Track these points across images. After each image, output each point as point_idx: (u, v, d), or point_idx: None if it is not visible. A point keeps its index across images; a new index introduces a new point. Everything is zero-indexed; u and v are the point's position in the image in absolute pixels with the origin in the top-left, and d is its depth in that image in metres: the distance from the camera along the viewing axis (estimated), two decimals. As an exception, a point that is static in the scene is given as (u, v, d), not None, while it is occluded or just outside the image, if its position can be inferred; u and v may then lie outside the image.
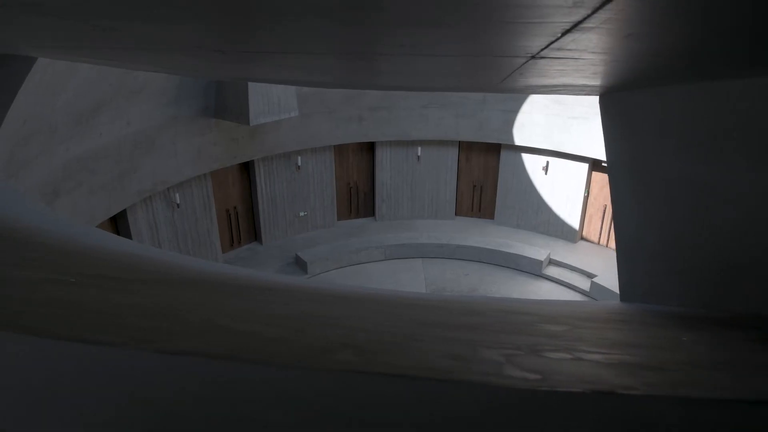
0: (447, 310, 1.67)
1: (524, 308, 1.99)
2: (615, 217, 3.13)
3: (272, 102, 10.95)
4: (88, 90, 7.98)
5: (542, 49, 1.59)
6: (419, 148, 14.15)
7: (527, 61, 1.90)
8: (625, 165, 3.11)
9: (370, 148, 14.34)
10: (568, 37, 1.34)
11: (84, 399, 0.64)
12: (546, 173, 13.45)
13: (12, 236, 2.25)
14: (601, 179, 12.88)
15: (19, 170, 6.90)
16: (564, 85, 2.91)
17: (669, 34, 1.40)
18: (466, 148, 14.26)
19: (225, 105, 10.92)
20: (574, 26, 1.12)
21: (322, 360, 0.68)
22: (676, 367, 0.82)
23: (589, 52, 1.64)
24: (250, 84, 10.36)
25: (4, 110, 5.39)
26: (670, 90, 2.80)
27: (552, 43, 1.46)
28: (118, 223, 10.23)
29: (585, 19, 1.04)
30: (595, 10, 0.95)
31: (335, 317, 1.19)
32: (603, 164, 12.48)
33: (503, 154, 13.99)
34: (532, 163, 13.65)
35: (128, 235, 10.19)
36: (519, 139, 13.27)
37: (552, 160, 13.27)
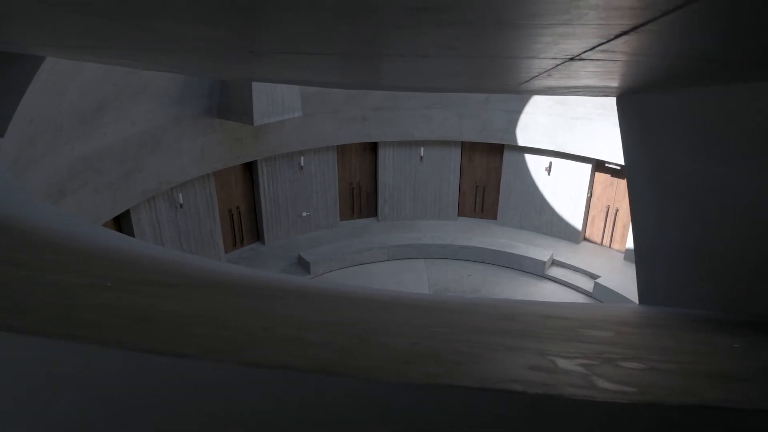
0: (485, 315, 1.66)
1: (556, 312, 1.97)
2: (633, 219, 3.12)
3: (276, 102, 10.93)
4: (93, 90, 7.95)
5: (585, 51, 1.58)
6: (422, 149, 14.14)
7: (561, 64, 1.89)
8: (643, 167, 3.10)
9: (373, 148, 14.32)
10: (620, 40, 1.33)
11: (184, 415, 0.62)
12: (549, 174, 13.45)
13: (34, 237, 2.23)
14: (604, 180, 12.89)
15: (25, 170, 6.87)
16: (585, 87, 2.90)
17: (717, 37, 1.39)
18: (468, 148, 14.25)
19: (229, 105, 10.90)
20: (634, 28, 1.10)
21: (408, 372, 0.67)
22: (753, 377, 0.81)
23: (632, 54, 1.62)
24: (254, 84, 10.34)
25: (12, 109, 5.36)
26: (693, 91, 2.79)
27: (599, 45, 1.44)
28: (122, 223, 10.20)
29: (649, 21, 1.02)
30: (665, 13, 0.93)
31: (388, 323, 1.17)
32: (606, 165, 12.49)
33: (506, 154, 13.98)
34: (535, 164, 13.65)
35: (131, 235, 10.15)
36: (522, 140, 13.26)
37: (555, 160, 13.26)
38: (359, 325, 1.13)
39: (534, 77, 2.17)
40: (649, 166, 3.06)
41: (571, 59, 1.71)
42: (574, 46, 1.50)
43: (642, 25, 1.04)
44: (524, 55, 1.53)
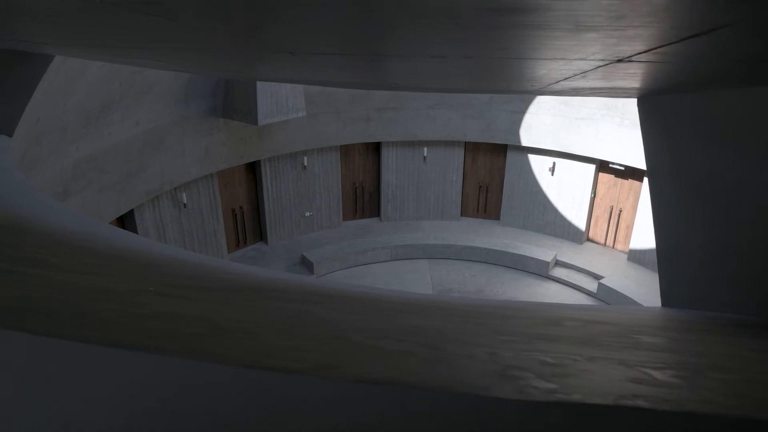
0: (531, 320, 1.63)
1: (592, 316, 1.95)
2: (655, 221, 3.10)
3: (280, 102, 10.90)
4: (98, 90, 7.91)
5: (637, 54, 1.56)
6: (425, 149, 14.12)
7: (605, 66, 1.87)
8: (666, 168, 3.08)
9: (376, 148, 14.30)
10: (683, 44, 1.30)
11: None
12: (552, 174, 13.44)
13: (59, 239, 2.20)
14: (608, 180, 12.89)
15: (30, 169, 6.83)
16: (610, 88, 2.88)
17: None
18: (472, 148, 14.23)
19: (233, 105, 10.86)
20: (702, 33, 1.08)
21: (517, 387, 0.64)
22: None
23: (682, 57, 1.60)
24: (258, 84, 10.31)
25: (21, 108, 5.32)
26: (719, 92, 2.77)
27: (655, 48, 1.42)
28: (125, 223, 10.16)
29: (718, 28, 1.00)
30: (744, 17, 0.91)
31: (450, 331, 1.15)
32: (610, 165, 12.48)
33: (509, 154, 13.97)
34: (538, 164, 13.64)
35: (136, 235, 10.10)
36: (526, 140, 13.26)
37: (558, 161, 13.26)
38: (423, 332, 1.11)
39: (568, 78, 2.15)
40: (672, 167, 3.04)
41: (619, 61, 1.69)
42: (631, 48, 1.48)
43: (712, 30, 1.01)
44: (576, 56, 1.51)
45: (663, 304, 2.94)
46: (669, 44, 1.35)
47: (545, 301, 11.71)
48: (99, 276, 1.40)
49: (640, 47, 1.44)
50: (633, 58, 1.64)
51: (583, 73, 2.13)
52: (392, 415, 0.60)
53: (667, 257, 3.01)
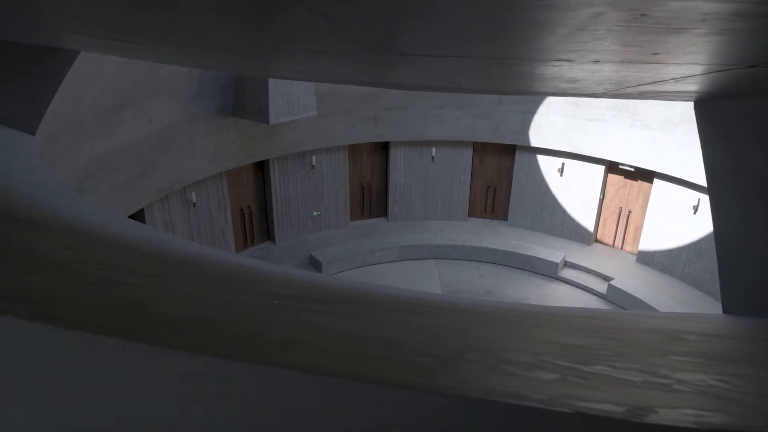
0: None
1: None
2: (716, 226, 3.07)
3: (292, 101, 10.83)
4: (114, 87, 7.84)
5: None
6: (433, 149, 14.08)
7: (730, 70, 1.83)
8: (726, 172, 3.04)
9: (384, 147, 14.25)
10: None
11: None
12: (561, 175, 13.43)
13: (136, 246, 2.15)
14: (617, 182, 12.88)
15: (47, 167, 6.74)
16: (673, 92, 2.84)
17: None
18: (480, 149, 14.20)
19: (244, 104, 10.79)
20: None
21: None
22: None
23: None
24: (270, 83, 10.23)
25: (44, 106, 5.24)
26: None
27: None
28: (136, 222, 10.08)
29: None
30: None
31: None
32: (620, 166, 12.47)
33: (518, 155, 13.95)
34: (547, 165, 13.62)
35: (146, 235, 10.02)
36: (535, 141, 13.23)
37: (567, 161, 13.24)
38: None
39: (662, 80, 2.11)
40: (733, 170, 3.01)
41: (752, 66, 1.65)
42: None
43: None
44: (711, 62, 1.47)
45: (724, 310, 2.91)
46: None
47: (555, 302, 11.69)
48: (219, 289, 1.35)
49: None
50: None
51: (687, 78, 2.10)
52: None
53: (728, 262, 2.97)
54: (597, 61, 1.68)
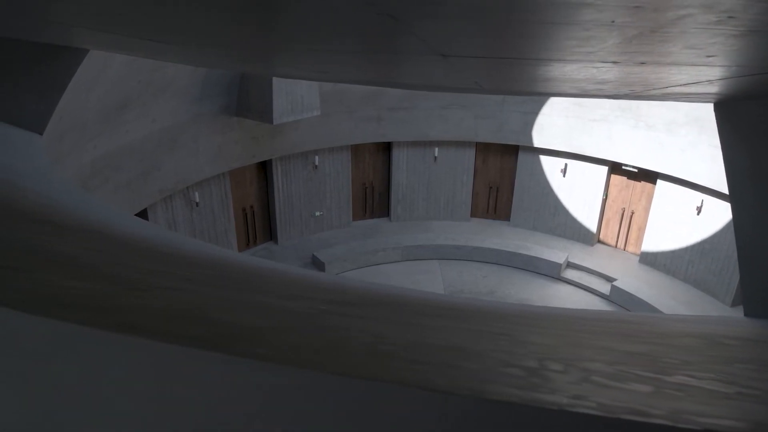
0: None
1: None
2: (737, 228, 3.06)
3: (296, 101, 10.79)
4: (119, 87, 7.79)
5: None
6: (436, 149, 14.06)
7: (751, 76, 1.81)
8: (747, 173, 3.03)
9: (387, 148, 14.22)
10: None
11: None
12: (564, 175, 13.42)
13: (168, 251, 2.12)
14: (620, 182, 12.89)
15: (52, 167, 6.69)
16: (699, 93, 2.82)
17: None
18: (482, 149, 14.19)
19: (248, 103, 10.74)
20: None
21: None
22: None
23: None
24: (275, 82, 10.19)
25: (52, 105, 5.20)
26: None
27: None
28: (139, 222, 10.03)
29: None
30: None
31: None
32: (623, 167, 12.48)
33: (521, 155, 13.94)
34: (550, 165, 13.61)
35: (149, 235, 9.96)
36: (538, 141, 13.23)
37: (570, 162, 13.24)
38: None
39: (694, 82, 2.09)
40: (753, 171, 2.99)
41: None
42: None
43: None
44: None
45: (746, 313, 2.89)
46: None
47: (558, 303, 11.69)
48: (266, 294, 1.32)
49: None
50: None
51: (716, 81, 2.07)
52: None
53: (749, 264, 2.96)
54: (643, 63, 1.66)
